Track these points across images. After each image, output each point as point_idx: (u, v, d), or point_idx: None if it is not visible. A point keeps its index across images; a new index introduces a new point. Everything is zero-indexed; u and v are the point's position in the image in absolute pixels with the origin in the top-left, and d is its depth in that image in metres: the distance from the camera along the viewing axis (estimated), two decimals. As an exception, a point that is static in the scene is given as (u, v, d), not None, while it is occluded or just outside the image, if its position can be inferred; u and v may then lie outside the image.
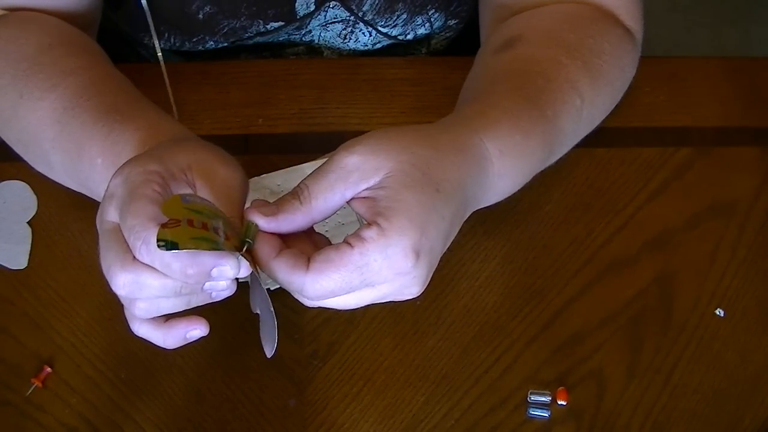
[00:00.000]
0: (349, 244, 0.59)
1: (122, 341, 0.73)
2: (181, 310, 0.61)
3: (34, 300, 0.75)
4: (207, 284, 0.59)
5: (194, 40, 0.91)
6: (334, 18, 0.91)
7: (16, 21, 0.79)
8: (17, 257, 0.77)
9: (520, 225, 0.81)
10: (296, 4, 0.88)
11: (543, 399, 0.72)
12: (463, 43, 1.00)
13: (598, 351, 0.75)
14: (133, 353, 0.73)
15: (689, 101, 0.89)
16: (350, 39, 0.94)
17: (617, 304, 0.77)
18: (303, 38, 0.94)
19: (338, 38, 0.94)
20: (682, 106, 0.89)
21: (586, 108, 0.76)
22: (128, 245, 0.57)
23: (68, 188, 0.75)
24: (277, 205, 0.61)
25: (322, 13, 0.90)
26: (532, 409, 0.72)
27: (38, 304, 0.75)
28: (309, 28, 0.92)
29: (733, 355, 0.75)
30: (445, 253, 0.63)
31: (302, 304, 0.62)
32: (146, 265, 0.57)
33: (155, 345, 0.62)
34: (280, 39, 0.93)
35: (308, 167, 0.80)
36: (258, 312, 0.65)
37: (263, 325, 0.64)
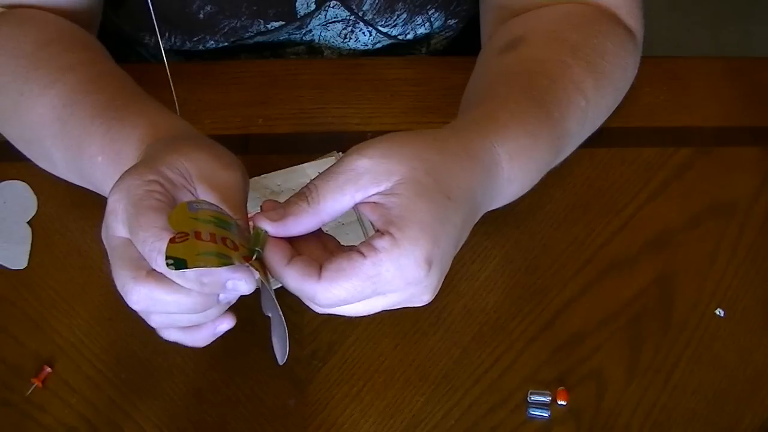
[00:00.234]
0: (362, 253, 0.58)
1: (122, 341, 0.73)
2: (198, 323, 0.61)
3: (34, 300, 0.75)
4: (221, 296, 0.59)
5: (195, 39, 0.91)
6: (335, 17, 0.91)
7: (15, 18, 0.79)
8: (17, 257, 0.77)
9: (520, 225, 0.81)
10: (297, 3, 0.88)
11: (543, 399, 0.72)
12: (463, 42, 1.00)
13: (598, 351, 0.75)
14: (133, 353, 0.73)
15: (689, 101, 0.89)
16: (350, 38, 0.94)
17: (617, 304, 0.77)
18: (303, 38, 0.94)
19: (338, 38, 0.94)
20: (682, 106, 0.89)
21: (590, 108, 0.75)
22: (139, 259, 0.58)
23: (68, 188, 0.75)
24: (284, 207, 0.60)
25: (323, 13, 0.90)
26: (532, 409, 0.72)
27: (38, 304, 0.75)
28: (309, 27, 0.92)
29: (733, 355, 0.75)
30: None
31: (303, 304, 0.62)
32: (160, 280, 0.57)
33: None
34: (281, 38, 0.93)
35: (308, 167, 0.80)
36: (269, 315, 0.64)
37: (274, 329, 0.64)
